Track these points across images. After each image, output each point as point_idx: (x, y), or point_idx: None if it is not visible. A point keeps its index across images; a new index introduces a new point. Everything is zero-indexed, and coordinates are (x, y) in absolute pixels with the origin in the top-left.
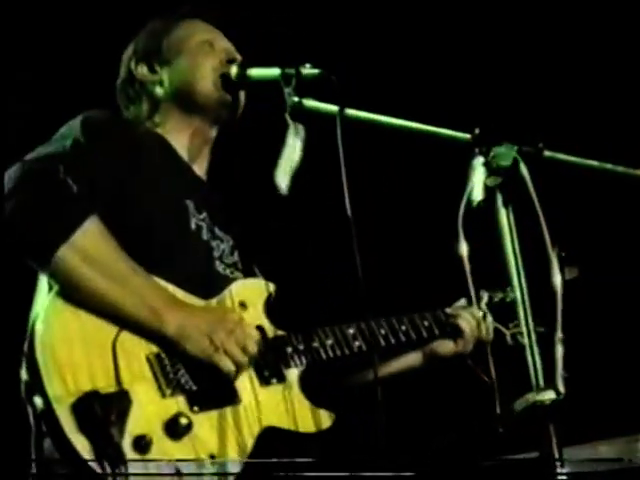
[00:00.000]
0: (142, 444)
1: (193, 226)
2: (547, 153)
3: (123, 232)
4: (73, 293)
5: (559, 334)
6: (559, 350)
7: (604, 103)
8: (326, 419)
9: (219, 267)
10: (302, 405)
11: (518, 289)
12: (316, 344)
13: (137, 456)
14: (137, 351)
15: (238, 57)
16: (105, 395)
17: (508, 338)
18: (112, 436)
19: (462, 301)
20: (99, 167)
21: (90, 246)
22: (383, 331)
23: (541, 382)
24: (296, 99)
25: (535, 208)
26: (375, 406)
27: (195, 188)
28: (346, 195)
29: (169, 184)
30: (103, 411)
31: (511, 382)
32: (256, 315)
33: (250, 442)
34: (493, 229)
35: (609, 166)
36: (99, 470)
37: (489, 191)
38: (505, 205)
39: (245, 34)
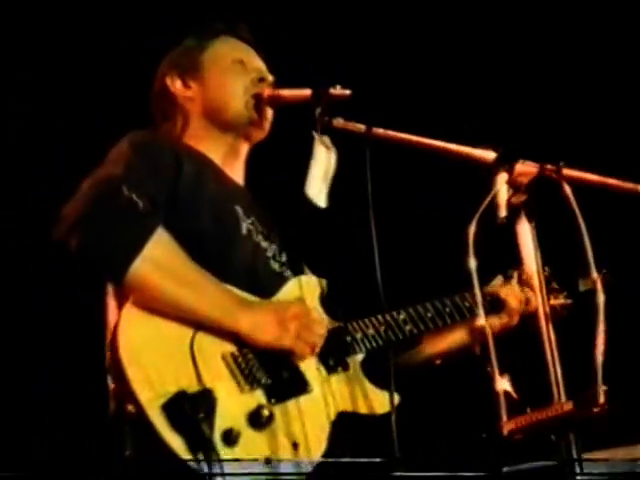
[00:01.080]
0: (231, 437)
1: (244, 230)
2: (566, 171)
3: (181, 241)
4: (149, 302)
5: (600, 348)
6: (599, 363)
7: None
8: (395, 400)
9: (274, 266)
10: (367, 389)
11: (541, 302)
12: (372, 331)
13: (227, 449)
14: (213, 351)
15: (270, 77)
16: (192, 394)
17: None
18: (204, 432)
19: (499, 277)
20: (153, 184)
21: (161, 256)
22: (430, 314)
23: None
24: (326, 118)
25: (578, 224)
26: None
27: (239, 196)
28: (371, 205)
29: (217, 194)
30: (192, 409)
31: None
32: (313, 309)
33: (327, 427)
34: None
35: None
36: (194, 465)
37: (512, 209)
38: (529, 221)
39: (277, 52)
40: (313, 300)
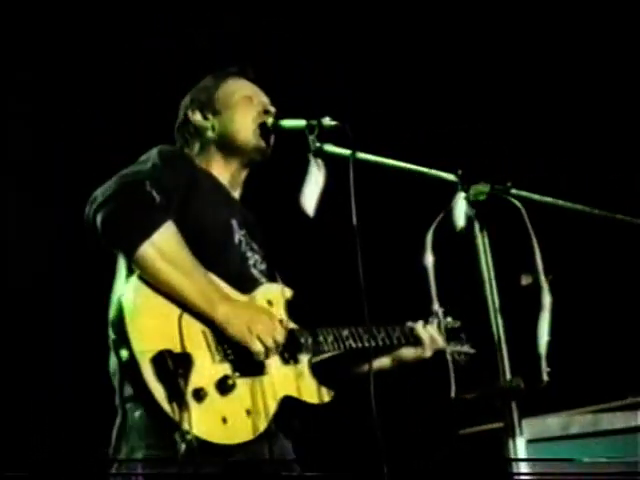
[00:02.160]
0: (200, 395)
1: (236, 240)
2: (514, 191)
3: (186, 237)
4: (150, 279)
5: (545, 337)
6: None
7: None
8: (327, 395)
9: (253, 272)
10: (310, 382)
11: (490, 300)
12: (320, 339)
13: (195, 403)
14: (195, 326)
15: (272, 109)
16: (176, 354)
17: (447, 355)
18: (179, 385)
19: (420, 321)
20: (172, 187)
21: (166, 245)
22: (367, 336)
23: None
24: (318, 144)
25: (529, 234)
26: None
27: (236, 210)
28: (354, 220)
29: (218, 206)
30: (174, 365)
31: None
32: (278, 311)
33: (274, 404)
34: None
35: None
36: (168, 410)
37: (468, 219)
38: (481, 230)
39: (277, 89)
40: (280, 304)
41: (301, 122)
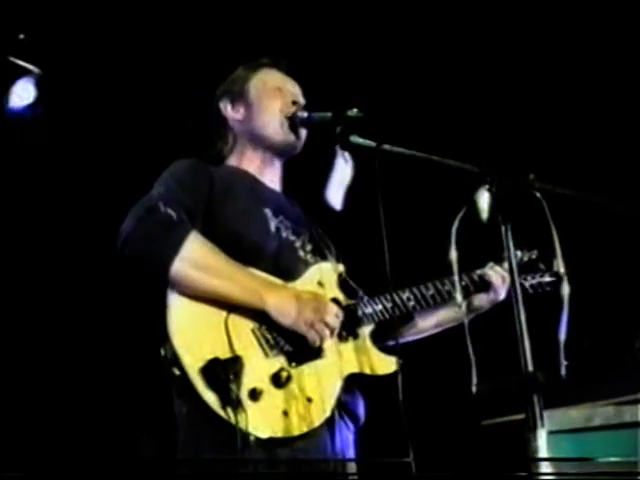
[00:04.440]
0: (255, 394)
1: (273, 228)
2: (538, 184)
3: (221, 241)
4: (192, 292)
5: (563, 331)
6: (561, 342)
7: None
8: (393, 364)
9: (300, 255)
10: (373, 354)
11: (513, 293)
12: (380, 307)
13: (252, 403)
14: (243, 326)
15: (302, 101)
16: (224, 360)
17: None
18: (232, 390)
19: (490, 263)
20: (189, 199)
21: (195, 255)
22: (431, 292)
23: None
24: (344, 136)
25: (550, 228)
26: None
27: (269, 199)
28: (381, 207)
29: (247, 200)
30: (223, 372)
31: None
32: (331, 290)
33: (337, 386)
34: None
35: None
36: (225, 416)
37: (492, 212)
38: (504, 223)
39: (309, 81)
40: (331, 282)
41: (328, 114)
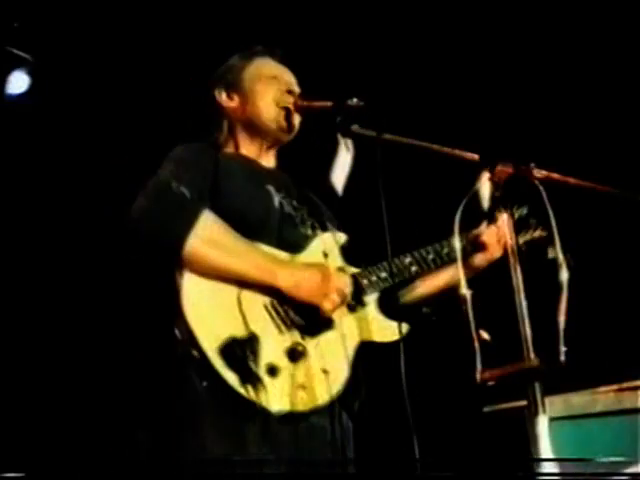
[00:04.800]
0: (273, 370)
1: (277, 203)
2: (537, 171)
3: (226, 218)
4: (203, 270)
5: (562, 316)
6: (561, 328)
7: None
8: (401, 329)
9: (301, 229)
10: (381, 321)
11: (515, 281)
12: (384, 274)
13: (271, 379)
14: (256, 303)
15: (297, 89)
16: (240, 339)
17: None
18: (251, 368)
19: (484, 222)
20: (198, 178)
21: (210, 232)
22: (431, 256)
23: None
24: (345, 125)
25: (549, 217)
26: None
27: (270, 177)
28: (382, 196)
29: (250, 179)
30: (241, 351)
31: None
32: (335, 260)
33: (351, 355)
34: None
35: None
36: (245, 394)
37: (493, 200)
38: (505, 211)
39: (304, 69)
40: (335, 252)
41: (327, 103)
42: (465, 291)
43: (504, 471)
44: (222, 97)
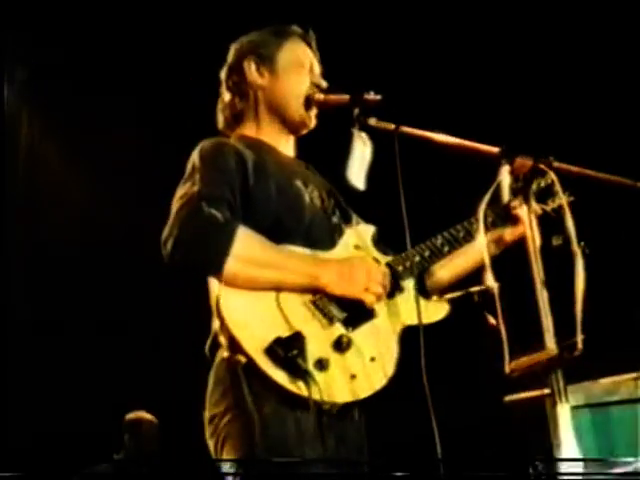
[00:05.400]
0: (322, 364)
1: (307, 199)
2: (556, 164)
3: (261, 222)
4: (245, 287)
5: (579, 304)
6: (578, 316)
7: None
8: (443, 308)
9: (332, 221)
10: (421, 305)
11: (536, 271)
12: (418, 258)
13: (321, 373)
14: (295, 302)
15: (324, 83)
16: (285, 338)
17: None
18: (299, 365)
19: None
20: (227, 192)
21: (246, 251)
22: (462, 234)
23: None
24: (362, 118)
25: (563, 208)
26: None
27: (296, 170)
28: (401, 190)
29: (278, 176)
30: (287, 349)
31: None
32: (368, 252)
33: (395, 341)
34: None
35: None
36: (297, 391)
37: (514, 192)
38: (525, 203)
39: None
40: (367, 244)
41: (345, 96)
42: (492, 283)
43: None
44: (251, 70)
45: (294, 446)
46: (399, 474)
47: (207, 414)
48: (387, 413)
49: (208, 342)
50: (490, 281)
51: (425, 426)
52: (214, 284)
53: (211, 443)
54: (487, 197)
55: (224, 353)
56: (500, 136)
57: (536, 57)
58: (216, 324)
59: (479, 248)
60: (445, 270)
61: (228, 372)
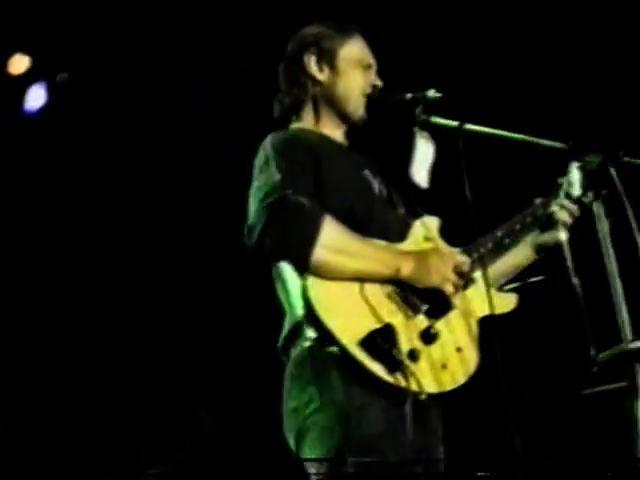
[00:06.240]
0: (414, 355)
1: (377, 190)
2: (625, 159)
3: (338, 213)
4: (331, 276)
5: None
6: None
7: None
8: (512, 300)
9: (400, 212)
10: (492, 295)
11: (609, 266)
12: (483, 250)
13: (414, 364)
14: (379, 294)
15: (380, 83)
16: (379, 330)
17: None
18: (395, 356)
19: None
20: (307, 181)
21: (333, 239)
22: (518, 226)
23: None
24: (424, 117)
25: (624, 205)
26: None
27: (359, 162)
28: (467, 192)
29: (345, 166)
30: (383, 341)
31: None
32: (436, 243)
33: (475, 331)
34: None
35: None
36: (394, 382)
37: (584, 187)
38: (596, 199)
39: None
40: (435, 236)
41: (407, 95)
42: (575, 280)
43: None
44: (311, 64)
45: (385, 437)
46: (480, 474)
47: (287, 406)
48: (462, 405)
49: (283, 333)
50: (573, 278)
51: (500, 420)
52: (290, 275)
53: (290, 435)
54: (559, 193)
55: (306, 343)
56: (566, 132)
57: (607, 51)
58: (298, 314)
59: (529, 245)
60: (500, 263)
61: (313, 363)
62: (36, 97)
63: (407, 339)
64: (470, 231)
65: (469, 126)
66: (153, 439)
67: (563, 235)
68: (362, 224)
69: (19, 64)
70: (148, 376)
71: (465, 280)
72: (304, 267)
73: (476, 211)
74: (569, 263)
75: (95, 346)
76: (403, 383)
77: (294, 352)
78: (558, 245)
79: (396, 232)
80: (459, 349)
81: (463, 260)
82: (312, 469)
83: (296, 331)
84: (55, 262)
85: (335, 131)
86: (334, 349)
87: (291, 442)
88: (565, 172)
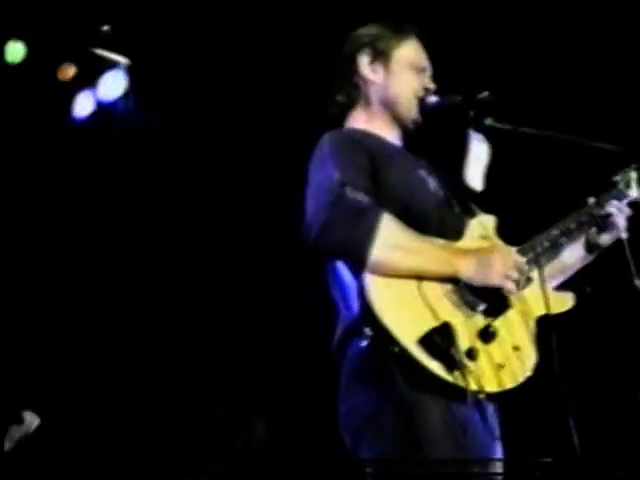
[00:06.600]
0: (472, 354)
1: (432, 188)
2: None
3: (392, 209)
4: (390, 273)
5: None
6: None
7: None
8: (569, 300)
9: (455, 211)
10: (549, 294)
11: None
12: (539, 249)
13: (472, 363)
14: (437, 292)
15: (432, 86)
16: (437, 329)
17: None
18: (454, 355)
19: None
20: (364, 179)
21: (391, 237)
22: (573, 225)
23: None
24: (478, 119)
25: None
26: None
27: (414, 161)
28: (521, 194)
29: (400, 165)
30: (441, 340)
31: None
32: (493, 242)
33: (533, 330)
34: None
35: None
36: (453, 380)
37: None
38: None
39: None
40: (491, 234)
41: (458, 98)
42: (637, 281)
43: None
44: (364, 63)
45: (444, 437)
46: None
47: (344, 405)
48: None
49: (338, 331)
50: (636, 280)
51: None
52: (346, 273)
53: (347, 434)
54: (614, 192)
55: (363, 342)
56: (619, 134)
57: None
58: (355, 312)
59: (583, 245)
60: (556, 263)
61: (372, 361)
62: (83, 106)
63: (465, 338)
64: (523, 231)
65: (524, 129)
66: (204, 444)
67: (624, 235)
68: (419, 223)
69: (66, 72)
70: (195, 383)
71: (525, 278)
72: (363, 264)
73: (528, 212)
74: (631, 264)
75: (137, 350)
76: (462, 382)
77: (351, 351)
78: (614, 246)
79: (453, 231)
80: (517, 348)
81: (521, 260)
82: (369, 469)
83: (353, 329)
84: (71, 260)
85: (389, 132)
86: (392, 348)
87: (347, 441)
88: (618, 171)
